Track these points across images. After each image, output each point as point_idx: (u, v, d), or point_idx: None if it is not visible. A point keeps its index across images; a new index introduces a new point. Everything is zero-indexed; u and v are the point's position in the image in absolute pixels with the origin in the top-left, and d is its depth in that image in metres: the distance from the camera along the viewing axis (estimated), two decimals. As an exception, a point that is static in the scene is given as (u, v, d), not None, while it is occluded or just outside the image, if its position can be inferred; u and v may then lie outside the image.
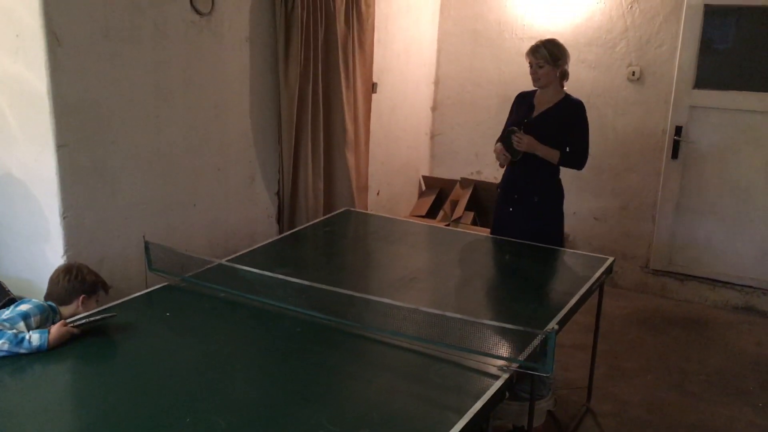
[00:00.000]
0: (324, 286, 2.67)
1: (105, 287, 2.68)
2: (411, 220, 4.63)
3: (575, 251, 3.87)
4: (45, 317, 2.46)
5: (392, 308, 2.53)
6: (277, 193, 3.96)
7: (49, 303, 2.53)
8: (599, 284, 3.21)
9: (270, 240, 3.66)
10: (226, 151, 3.56)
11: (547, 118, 3.58)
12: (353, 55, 4.17)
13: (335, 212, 4.04)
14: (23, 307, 2.42)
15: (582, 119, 3.58)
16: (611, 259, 3.38)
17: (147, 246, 3.01)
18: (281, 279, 2.76)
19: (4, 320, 2.35)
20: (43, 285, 2.83)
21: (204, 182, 3.45)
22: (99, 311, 2.59)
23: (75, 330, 2.41)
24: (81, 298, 2.57)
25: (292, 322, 2.64)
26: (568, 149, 3.55)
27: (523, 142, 3.52)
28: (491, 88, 5.29)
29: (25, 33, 2.59)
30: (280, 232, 3.97)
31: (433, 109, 5.57)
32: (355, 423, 2.02)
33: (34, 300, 2.50)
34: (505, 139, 3.62)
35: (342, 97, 4.08)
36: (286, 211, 3.99)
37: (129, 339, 2.54)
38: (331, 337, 2.57)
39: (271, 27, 3.68)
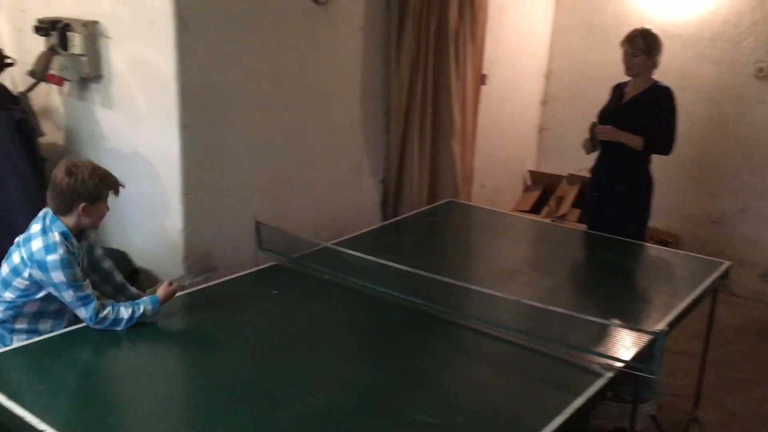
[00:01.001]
0: (426, 273, 2.69)
1: (113, 188, 2.39)
2: (515, 214, 4.58)
3: (687, 253, 3.71)
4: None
5: (493, 299, 2.52)
6: (383, 181, 4.02)
7: (63, 232, 2.29)
8: (713, 289, 3.06)
9: (373, 227, 3.72)
10: (335, 137, 3.64)
11: (634, 105, 3.62)
12: (465, 46, 4.15)
13: (439, 202, 4.05)
14: (50, 258, 2.24)
15: (668, 105, 3.57)
16: (727, 263, 3.21)
17: (258, 226, 3.14)
18: (384, 264, 2.81)
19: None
20: (164, 257, 3.03)
21: (313, 167, 3.55)
22: (202, 269, 2.68)
23: (179, 288, 2.47)
24: (81, 207, 2.30)
25: (392, 307, 2.68)
26: (653, 134, 3.54)
27: (605, 131, 3.58)
28: (605, 83, 5.06)
29: (157, 19, 2.75)
30: (384, 219, 4.03)
31: (543, 102, 5.47)
32: (452, 410, 2.03)
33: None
34: (589, 130, 3.70)
35: (451, 88, 4.08)
36: (390, 199, 4.04)
37: (238, 313, 2.67)
38: (430, 324, 2.59)
39: (385, 16, 3.73)
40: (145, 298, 2.40)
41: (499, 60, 4.80)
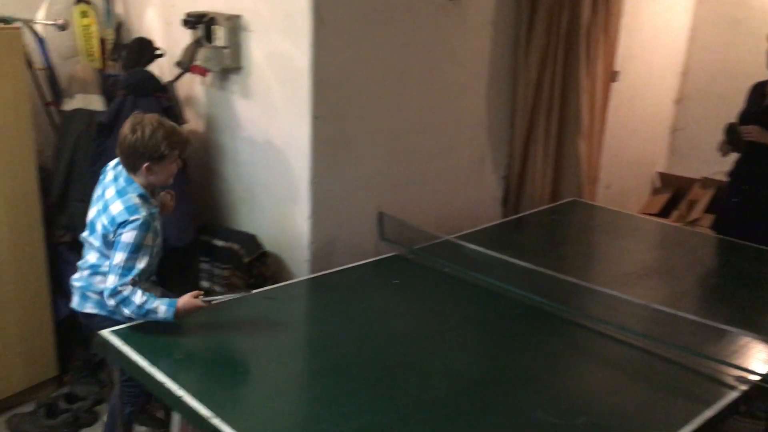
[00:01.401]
0: (549, 272, 2.65)
1: (177, 147, 2.28)
2: (643, 216, 4.40)
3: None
4: (150, 227, 2.27)
5: (619, 302, 2.45)
6: (505, 177, 3.98)
7: (141, 193, 2.29)
8: None
9: (494, 222, 3.70)
10: (459, 132, 3.64)
11: None
12: (597, 42, 4.03)
13: (562, 201, 3.97)
14: (127, 239, 2.22)
15: None
16: None
17: (380, 217, 3.20)
18: (505, 260, 2.80)
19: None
20: (291, 242, 3.15)
21: (436, 161, 3.57)
22: (235, 291, 2.62)
23: (204, 304, 2.27)
24: (144, 166, 2.25)
25: (512, 303, 2.67)
26: None
27: (752, 132, 3.40)
28: (747, 82, 4.79)
29: (295, 13, 2.86)
30: (505, 216, 3.99)
31: (677, 101, 5.22)
32: (572, 411, 2.00)
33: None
34: (726, 132, 3.53)
35: (580, 85, 3.97)
36: (512, 196, 4.00)
37: (359, 299, 2.74)
38: (551, 323, 2.55)
39: (515, 11, 3.69)
40: (165, 299, 2.26)
41: (633, 56, 4.62)
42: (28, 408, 3.17)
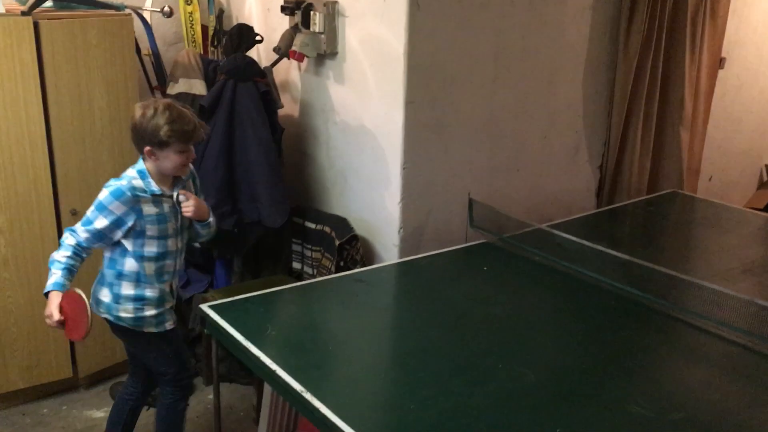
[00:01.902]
0: (646, 263, 2.56)
1: (178, 135, 2.15)
2: (749, 210, 4.18)
3: None
4: (127, 199, 2.21)
5: (722, 296, 2.34)
6: (600, 167, 3.87)
7: (140, 170, 2.26)
8: None
9: (588, 212, 3.61)
10: (554, 119, 3.57)
11: None
12: (703, 27, 3.84)
13: (661, 192, 3.82)
14: (100, 196, 2.23)
15: None
16: None
17: (471, 203, 3.18)
18: (599, 250, 2.72)
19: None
20: (381, 227, 3.18)
21: (529, 149, 3.51)
22: None
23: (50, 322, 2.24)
24: (146, 150, 2.20)
25: (606, 295, 2.60)
26: None
27: None
28: None
29: (391, -1, 2.87)
30: (598, 207, 3.88)
31: (790, 90, 4.91)
32: (668, 406, 1.94)
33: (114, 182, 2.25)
34: None
35: (684, 71, 3.81)
36: (606, 186, 3.88)
37: (448, 285, 2.74)
38: (647, 316, 2.47)
39: (616, -5, 3.57)
40: (57, 278, 2.22)
41: (741, 42, 4.38)
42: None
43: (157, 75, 3.51)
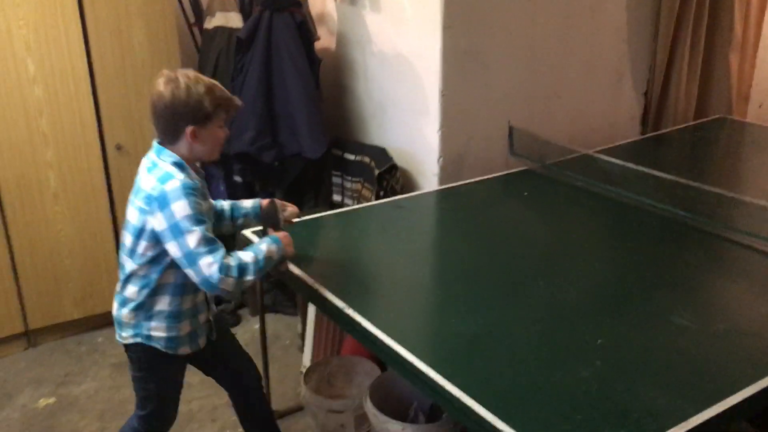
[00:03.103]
0: (690, 182, 2.51)
1: (222, 102, 1.83)
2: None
3: None
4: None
5: (769, 212, 2.29)
6: (645, 94, 3.76)
7: (175, 161, 1.83)
8: None
9: (632, 139, 3.53)
10: (597, 44, 3.47)
11: None
12: (755, -58, 3.67)
13: (709, 118, 3.72)
14: (179, 211, 1.75)
15: None
16: None
17: (511, 130, 3.14)
18: (643, 173, 2.68)
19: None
20: (420, 156, 3.17)
21: (570, 75, 3.43)
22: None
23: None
24: (189, 131, 1.81)
25: (650, 217, 2.56)
26: None
27: None
28: None
29: None
30: (643, 135, 3.80)
31: None
32: (711, 318, 1.92)
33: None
34: None
35: (734, -7, 3.65)
36: (652, 114, 3.78)
37: (489, 210, 2.73)
38: (692, 235, 2.43)
39: None
40: (261, 242, 1.94)
41: (797, -40, 4.16)
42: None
43: (194, 9, 3.51)
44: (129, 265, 1.89)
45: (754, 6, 3.85)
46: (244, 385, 2.29)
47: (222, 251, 1.78)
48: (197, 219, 1.76)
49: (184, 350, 2.01)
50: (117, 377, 3.02)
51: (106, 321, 3.35)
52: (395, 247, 2.42)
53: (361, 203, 3.17)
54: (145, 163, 1.88)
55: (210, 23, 3.33)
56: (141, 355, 1.98)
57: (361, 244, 2.49)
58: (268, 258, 1.89)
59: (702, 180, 2.70)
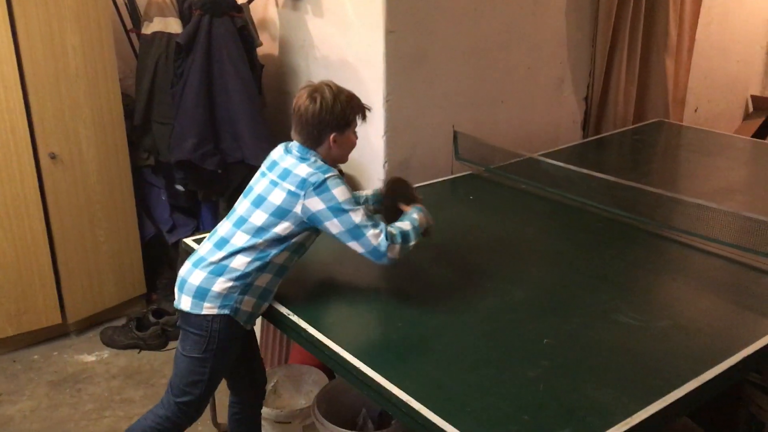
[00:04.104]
0: (630, 183, 2.56)
1: (360, 111, 2.02)
2: (733, 135, 4.19)
3: None
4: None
5: (706, 211, 2.35)
6: (585, 98, 3.83)
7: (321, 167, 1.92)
8: None
9: (574, 143, 3.59)
10: (538, 49, 3.51)
11: None
12: (686, -49, 3.79)
13: (647, 122, 3.81)
14: (339, 195, 1.88)
15: None
16: None
17: (456, 135, 3.15)
18: (585, 174, 2.72)
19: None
20: (365, 162, 3.14)
21: (513, 80, 3.46)
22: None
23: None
24: (331, 137, 1.95)
25: (592, 217, 2.60)
26: None
27: None
28: None
29: (367, -77, 2.79)
30: (584, 138, 3.86)
31: (775, 18, 4.87)
32: (655, 315, 1.95)
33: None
34: None
35: (668, -2, 3.76)
36: (592, 117, 3.85)
37: (435, 214, 2.67)
38: (633, 234, 2.48)
39: None
40: (409, 213, 2.06)
41: (726, -32, 4.32)
42: (119, 322, 3.35)
43: (131, 14, 3.42)
44: (245, 239, 1.93)
45: (687, 11, 3.97)
46: (256, 387, 2.31)
47: (383, 224, 1.93)
48: (356, 200, 1.95)
49: (250, 326, 2.05)
50: (54, 396, 2.90)
51: (42, 337, 3.23)
52: (340, 252, 2.38)
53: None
54: (290, 155, 1.98)
55: (148, 28, 3.25)
56: (219, 327, 1.96)
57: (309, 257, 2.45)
58: (421, 224, 2.02)
59: (641, 181, 2.75)
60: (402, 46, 2.95)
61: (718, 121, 4.79)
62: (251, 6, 3.31)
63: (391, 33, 2.89)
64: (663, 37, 3.85)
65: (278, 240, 1.92)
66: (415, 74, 3.05)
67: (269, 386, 2.60)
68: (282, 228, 1.91)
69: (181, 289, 1.99)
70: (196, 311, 1.95)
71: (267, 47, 3.48)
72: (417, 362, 1.74)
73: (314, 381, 2.61)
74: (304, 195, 1.88)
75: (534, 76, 3.55)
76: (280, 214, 1.91)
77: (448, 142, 3.16)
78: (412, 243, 1.95)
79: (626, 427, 1.45)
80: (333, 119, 1.93)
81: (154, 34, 3.21)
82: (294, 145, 2.00)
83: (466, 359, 1.74)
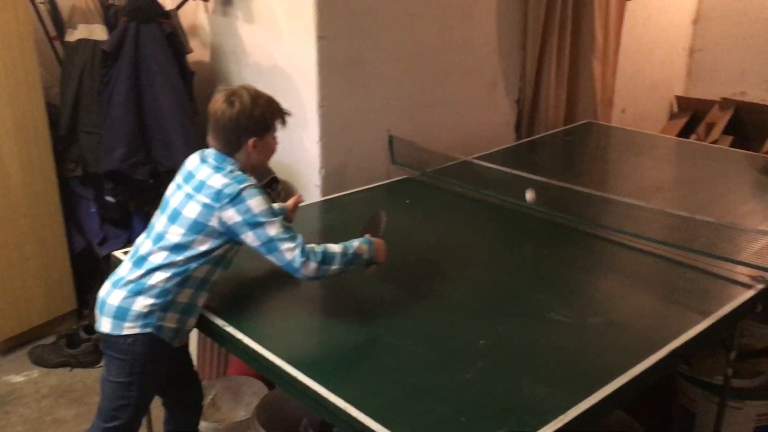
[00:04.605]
0: (561, 183, 2.61)
1: (280, 116, 1.95)
2: (660, 135, 4.33)
3: None
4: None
5: (634, 209, 2.42)
6: (517, 101, 3.90)
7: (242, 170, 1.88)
8: None
9: (507, 145, 3.65)
10: (471, 54, 3.56)
11: None
12: (609, -44, 3.90)
13: (577, 123, 3.90)
14: (256, 206, 1.81)
15: None
16: None
17: (391, 140, 3.16)
18: (519, 176, 2.76)
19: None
20: (301, 168, 3.12)
21: (447, 84, 3.49)
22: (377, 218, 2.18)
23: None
24: (250, 142, 1.88)
25: (526, 218, 2.64)
26: None
27: None
28: (769, -3, 4.66)
29: (295, -72, 2.78)
30: (518, 140, 3.93)
31: (695, 21, 5.06)
32: (587, 312, 1.99)
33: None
34: None
35: (593, 2, 3.85)
36: (525, 120, 3.92)
37: (372, 219, 2.72)
38: (566, 234, 2.53)
39: (525, -76, 3.56)
40: (357, 239, 1.99)
41: (648, -27, 4.47)
42: (49, 340, 3.23)
43: (54, 21, 3.31)
44: (164, 256, 1.87)
45: (612, 15, 4.08)
46: (191, 406, 2.24)
47: (301, 238, 1.85)
48: (273, 212, 1.85)
49: (178, 342, 1.97)
50: (-20, 420, 2.78)
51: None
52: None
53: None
54: (205, 165, 1.89)
55: (72, 36, 3.15)
56: (142, 349, 1.88)
57: (240, 259, 2.40)
58: (357, 255, 1.93)
59: (573, 181, 2.81)
60: (335, 51, 2.94)
61: (644, 121, 4.95)
62: (180, 12, 3.25)
63: (323, 39, 2.88)
64: (590, 41, 3.95)
65: (198, 255, 1.86)
66: (349, 79, 3.04)
67: (207, 399, 2.54)
68: (200, 243, 1.85)
69: (101, 311, 1.92)
70: (116, 332, 1.87)
71: (198, 54, 3.41)
72: (355, 369, 1.73)
73: (254, 392, 2.57)
74: (220, 207, 1.81)
75: (467, 80, 3.59)
76: (197, 228, 1.84)
77: (384, 147, 3.17)
78: (335, 267, 1.87)
79: (560, 424, 1.47)
80: (252, 123, 1.87)
81: (79, 41, 3.12)
82: (210, 152, 1.92)
83: (403, 364, 1.74)
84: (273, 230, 1.81)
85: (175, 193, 1.93)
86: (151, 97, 3.01)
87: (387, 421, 1.50)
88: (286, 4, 2.94)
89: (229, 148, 1.89)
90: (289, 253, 1.82)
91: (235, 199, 1.81)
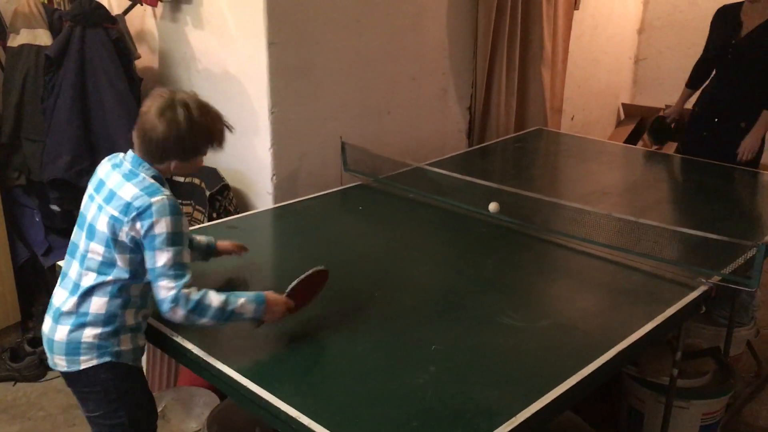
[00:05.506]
0: (512, 189, 2.65)
1: (217, 140, 1.78)
2: (607, 141, 4.42)
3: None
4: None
5: (582, 214, 2.46)
6: (469, 108, 3.95)
7: (155, 175, 1.74)
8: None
9: (459, 152, 3.68)
10: (421, 60, 3.59)
11: (761, 36, 3.21)
12: (556, -34, 3.98)
13: (528, 130, 3.96)
14: (165, 226, 1.67)
15: None
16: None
17: (343, 146, 3.16)
18: (470, 182, 2.79)
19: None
20: (252, 175, 3.09)
21: (399, 91, 3.52)
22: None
23: (291, 303, 1.84)
24: (173, 164, 1.75)
25: (477, 223, 2.66)
26: None
27: (745, 149, 3.24)
28: (710, 6, 4.80)
29: (245, -66, 2.76)
30: (469, 147, 3.97)
31: (640, 31, 5.21)
32: (536, 315, 2.02)
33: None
34: (652, 124, 3.61)
35: (542, 11, 3.93)
36: (476, 127, 3.97)
37: (324, 225, 2.72)
38: (516, 239, 2.56)
39: (474, -65, 3.61)
40: (246, 293, 1.79)
41: (594, -17, 4.58)
42: (-9, 354, 3.12)
43: (-4, 27, 3.22)
44: (93, 277, 1.74)
45: (560, 25, 4.16)
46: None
47: (185, 280, 1.69)
48: (174, 240, 1.69)
49: (140, 361, 1.88)
50: None
51: None
52: (227, 268, 2.33)
53: (193, 226, 3.04)
54: (117, 170, 1.76)
55: (14, 41, 3.06)
56: (107, 378, 1.79)
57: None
58: (238, 313, 1.75)
59: (523, 187, 2.85)
60: (285, 57, 2.93)
61: (593, 128, 5.06)
62: (127, 18, 3.19)
63: (273, 45, 2.87)
64: (539, 50, 4.02)
65: (127, 272, 1.73)
66: (300, 86, 3.04)
67: (159, 410, 2.49)
68: (122, 259, 1.72)
69: (51, 350, 1.80)
70: (74, 368, 1.78)
71: (146, 60, 3.36)
72: (306, 377, 1.71)
73: (205, 403, 2.52)
74: (127, 222, 1.68)
75: (419, 86, 3.62)
76: (112, 243, 1.71)
77: (337, 153, 3.16)
78: (205, 321, 1.70)
79: (510, 427, 1.48)
80: (179, 150, 1.72)
81: (22, 46, 3.03)
82: (128, 156, 1.77)
83: (355, 370, 1.73)
84: (162, 260, 1.67)
85: (89, 206, 1.79)
86: (98, 103, 2.95)
87: (339, 428, 1.49)
88: (236, 10, 2.92)
89: (150, 158, 1.74)
90: (164, 291, 1.67)
91: (143, 213, 1.67)
